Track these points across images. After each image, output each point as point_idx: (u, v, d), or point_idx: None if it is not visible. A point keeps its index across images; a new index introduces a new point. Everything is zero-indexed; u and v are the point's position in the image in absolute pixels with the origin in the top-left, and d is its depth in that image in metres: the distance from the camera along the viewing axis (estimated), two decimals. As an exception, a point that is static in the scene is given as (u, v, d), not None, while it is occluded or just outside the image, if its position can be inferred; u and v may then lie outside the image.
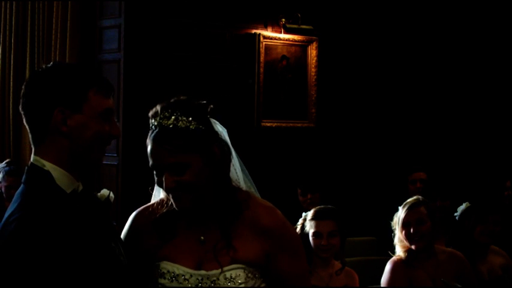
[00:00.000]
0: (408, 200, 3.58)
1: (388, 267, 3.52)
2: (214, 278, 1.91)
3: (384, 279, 3.51)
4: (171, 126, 1.85)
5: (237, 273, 1.92)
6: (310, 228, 3.51)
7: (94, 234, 1.73)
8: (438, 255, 3.53)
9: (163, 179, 1.88)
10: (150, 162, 1.90)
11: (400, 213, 3.53)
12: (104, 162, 6.54)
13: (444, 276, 3.46)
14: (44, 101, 1.75)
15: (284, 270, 1.98)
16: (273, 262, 1.96)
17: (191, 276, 1.92)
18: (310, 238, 3.49)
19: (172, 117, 1.86)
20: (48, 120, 1.74)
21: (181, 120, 1.86)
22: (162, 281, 1.93)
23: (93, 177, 5.26)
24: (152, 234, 1.97)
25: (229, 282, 1.90)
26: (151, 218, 1.99)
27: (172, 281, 1.92)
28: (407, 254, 3.49)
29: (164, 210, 1.98)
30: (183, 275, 1.92)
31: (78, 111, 1.75)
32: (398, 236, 3.53)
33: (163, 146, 1.85)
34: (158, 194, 2.07)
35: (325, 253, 3.48)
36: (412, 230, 3.44)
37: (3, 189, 5.42)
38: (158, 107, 1.90)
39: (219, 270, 1.91)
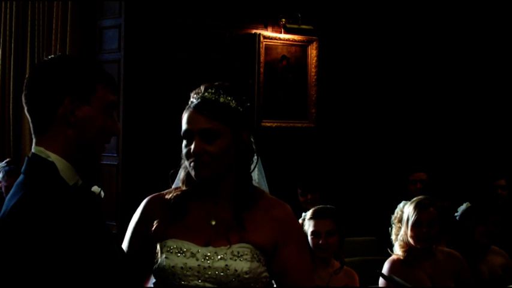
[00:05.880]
0: (418, 199, 3.56)
1: (386, 266, 3.51)
2: (222, 254, 1.96)
3: (382, 279, 3.50)
4: (213, 99, 2.00)
5: (244, 250, 1.97)
6: (308, 228, 3.52)
7: (96, 228, 1.74)
8: (436, 255, 3.52)
9: (193, 145, 1.97)
10: (184, 128, 2.01)
11: (410, 212, 3.51)
12: (104, 162, 6.49)
13: (442, 275, 3.45)
14: (55, 89, 1.74)
15: (290, 261, 2.01)
16: (280, 251, 2.01)
17: (198, 251, 1.97)
18: (309, 237, 3.49)
19: (215, 94, 2.02)
20: (56, 108, 1.73)
21: (223, 97, 2.02)
22: (168, 255, 1.97)
23: (93, 177, 5.26)
24: (164, 216, 2.04)
25: (236, 258, 1.95)
26: (164, 201, 2.08)
27: (178, 256, 1.97)
28: (407, 253, 3.48)
29: (179, 193, 2.06)
30: (190, 250, 1.97)
31: (87, 102, 1.75)
32: (402, 234, 3.51)
33: (203, 112, 1.98)
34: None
35: (323, 252, 3.49)
36: (424, 230, 3.44)
37: (3, 189, 5.43)
38: (202, 86, 2.05)
39: (227, 246, 1.97)
